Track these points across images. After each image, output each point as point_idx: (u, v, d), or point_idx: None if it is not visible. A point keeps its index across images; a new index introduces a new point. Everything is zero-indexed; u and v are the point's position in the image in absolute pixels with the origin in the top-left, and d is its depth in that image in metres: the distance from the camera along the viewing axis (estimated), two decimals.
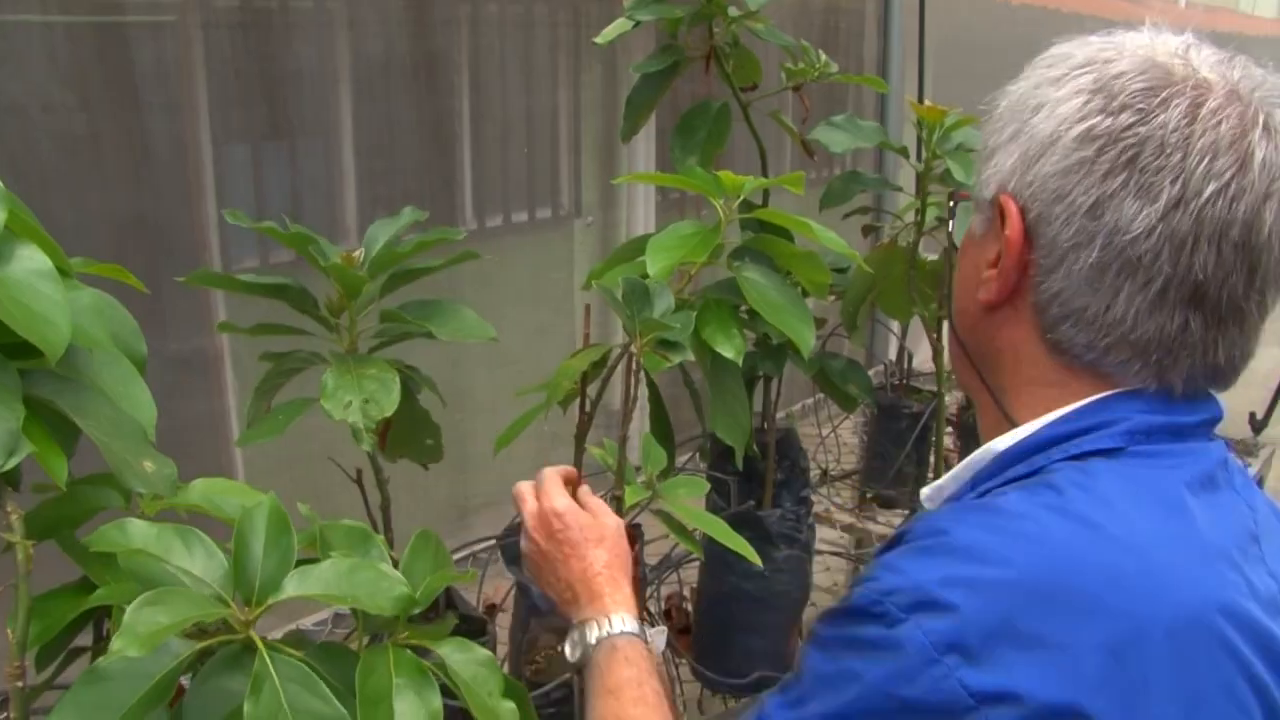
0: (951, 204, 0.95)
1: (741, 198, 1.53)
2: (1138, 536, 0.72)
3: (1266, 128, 0.76)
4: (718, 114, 1.83)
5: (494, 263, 4.58)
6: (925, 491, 0.93)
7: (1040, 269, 0.80)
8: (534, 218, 4.86)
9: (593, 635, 1.02)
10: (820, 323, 1.98)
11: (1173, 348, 0.78)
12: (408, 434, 1.70)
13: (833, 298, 2.03)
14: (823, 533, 2.78)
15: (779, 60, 1.98)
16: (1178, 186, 0.74)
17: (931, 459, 2.48)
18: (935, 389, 3.37)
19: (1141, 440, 0.78)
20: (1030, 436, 0.82)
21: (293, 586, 0.85)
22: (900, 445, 2.63)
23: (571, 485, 1.17)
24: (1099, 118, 0.76)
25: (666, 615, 2.30)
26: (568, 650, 1.05)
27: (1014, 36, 9.20)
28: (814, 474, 2.93)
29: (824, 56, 1.85)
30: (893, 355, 2.92)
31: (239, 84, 3.62)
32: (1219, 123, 0.75)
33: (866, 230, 2.50)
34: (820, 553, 2.71)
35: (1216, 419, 0.82)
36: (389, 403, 1.41)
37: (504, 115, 4.70)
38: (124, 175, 2.95)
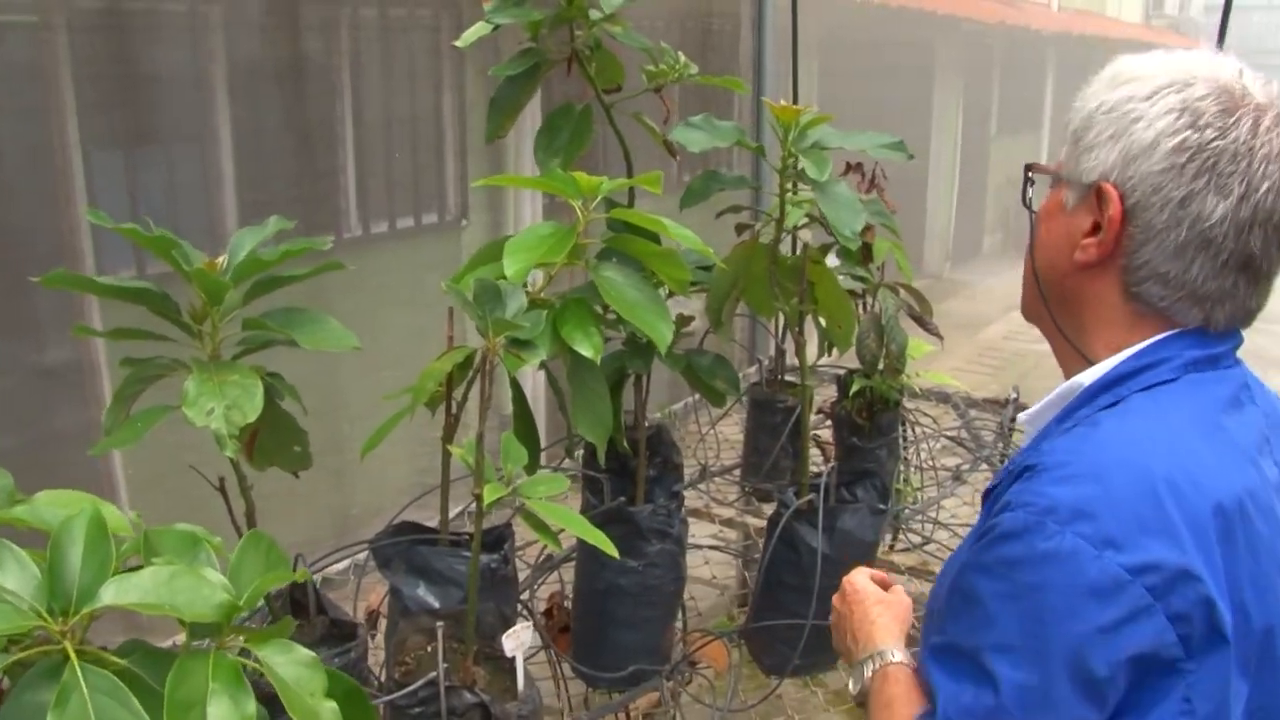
0: (1029, 175, 1.21)
1: (599, 198, 1.55)
2: (1194, 448, 1.02)
3: (1256, 145, 1.03)
4: (580, 116, 1.85)
5: (379, 267, 4.56)
6: (1023, 416, 1.20)
7: (1135, 242, 1.06)
8: (420, 222, 4.84)
9: (868, 669, 1.24)
10: (688, 320, 2.01)
11: (1223, 299, 1.06)
12: (275, 442, 1.69)
13: (701, 295, 2.06)
14: (703, 528, 2.83)
15: (645, 61, 2.00)
16: (1244, 185, 1.02)
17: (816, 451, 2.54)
18: (826, 382, 3.46)
19: (1191, 370, 1.07)
20: (1110, 371, 1.09)
21: (109, 595, 0.85)
22: (776, 439, 2.68)
23: (880, 582, 1.39)
24: (1189, 132, 1.03)
25: (548, 614, 2.32)
26: (850, 686, 1.27)
27: (892, 35, 9.41)
28: (695, 470, 2.97)
29: (683, 58, 1.88)
30: (772, 351, 2.98)
31: (109, 88, 3.55)
32: (1272, 137, 1.03)
33: (740, 228, 2.54)
34: (699, 547, 2.76)
35: (1239, 344, 1.12)
36: (252, 408, 1.40)
37: (387, 119, 4.67)
38: None
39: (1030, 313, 1.23)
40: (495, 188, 5.03)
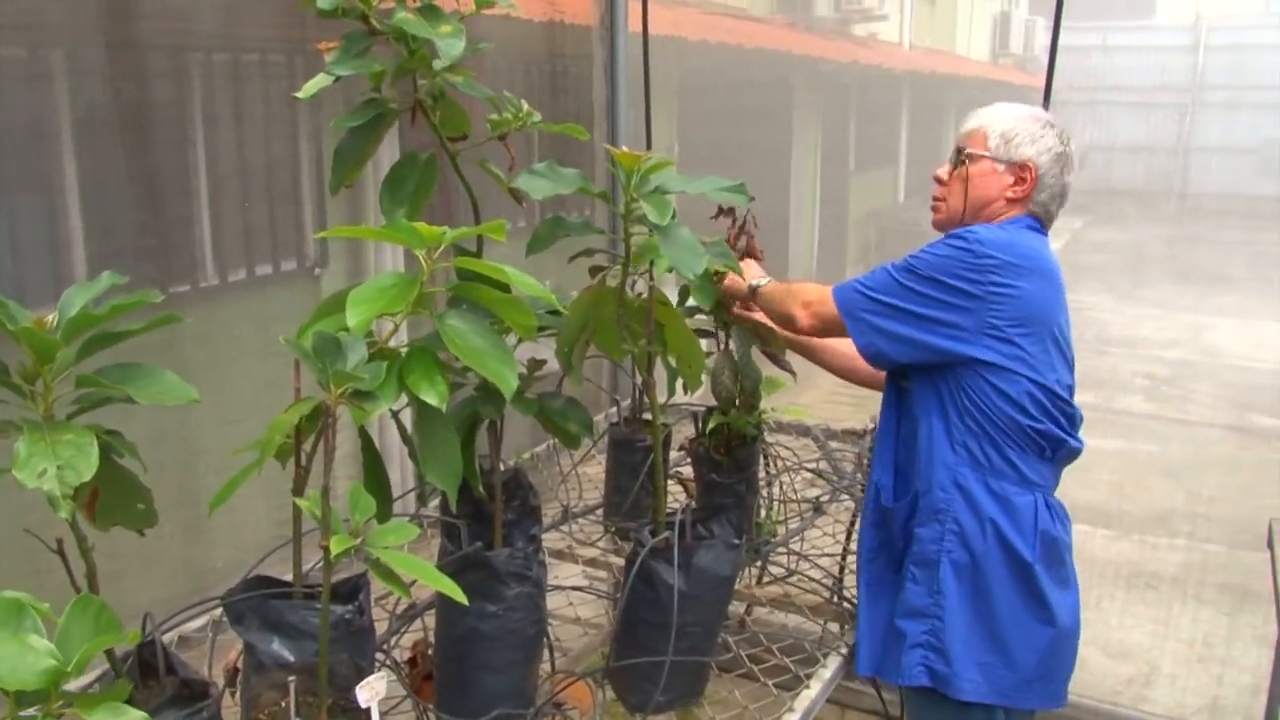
0: (968, 151, 2.23)
1: (442, 247, 1.57)
2: (1034, 245, 2.16)
3: (1076, 162, 2.26)
4: (425, 165, 1.86)
5: (236, 316, 4.48)
6: None
7: (1039, 188, 2.20)
8: (279, 269, 4.78)
9: (762, 281, 2.39)
10: (540, 364, 2.03)
11: (1052, 215, 2.26)
12: (117, 500, 1.66)
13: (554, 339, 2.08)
14: (566, 569, 2.84)
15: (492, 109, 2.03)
16: (1072, 163, 2.24)
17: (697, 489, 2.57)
18: (685, 419, 3.50)
19: (1037, 229, 2.23)
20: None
21: None
22: (636, 478, 2.71)
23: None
24: (1061, 145, 2.21)
25: (411, 663, 2.30)
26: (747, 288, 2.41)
27: (750, 77, 9.63)
28: (558, 511, 2.99)
29: (526, 106, 1.91)
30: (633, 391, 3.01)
31: None
32: (1069, 140, 2.23)
33: (594, 271, 2.57)
34: (561, 588, 2.77)
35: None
36: (87, 468, 1.38)
37: (242, 166, 4.60)
38: None
39: (948, 225, 2.25)
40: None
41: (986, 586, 2.15)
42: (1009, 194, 2.18)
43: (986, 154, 2.20)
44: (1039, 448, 2.16)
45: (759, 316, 2.47)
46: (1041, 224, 2.23)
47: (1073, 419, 2.20)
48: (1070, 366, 2.21)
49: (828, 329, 2.24)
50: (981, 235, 2.08)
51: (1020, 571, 2.14)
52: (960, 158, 2.24)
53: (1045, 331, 2.12)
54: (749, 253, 2.52)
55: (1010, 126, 2.19)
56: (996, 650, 2.16)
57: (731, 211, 2.57)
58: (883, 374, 2.36)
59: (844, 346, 2.32)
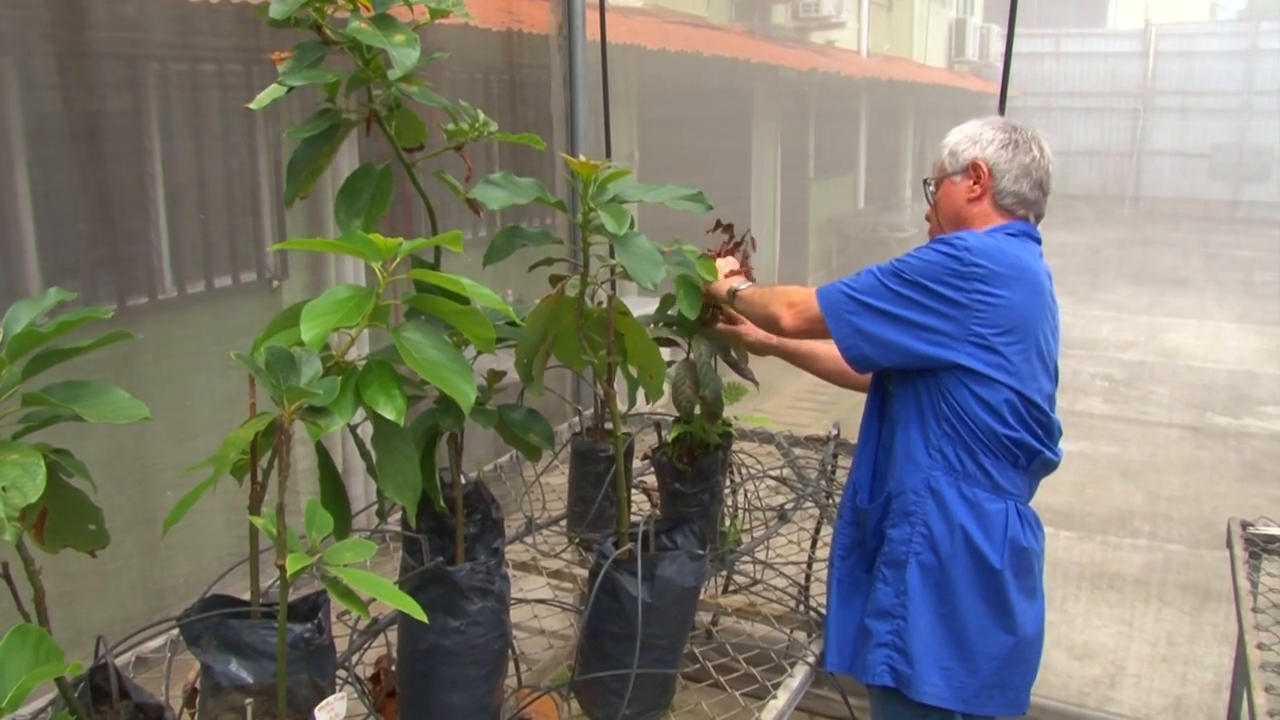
0: (928, 182, 2.38)
1: (398, 259, 1.55)
2: (1021, 254, 2.15)
3: (1038, 139, 2.29)
4: (380, 176, 1.84)
5: (195, 330, 4.43)
6: None
7: (996, 184, 2.24)
8: (238, 281, 4.73)
9: (741, 286, 2.41)
10: (500, 375, 2.01)
11: (1034, 206, 2.27)
12: (66, 521, 1.62)
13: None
14: (531, 581, 2.81)
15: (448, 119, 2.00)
16: (1026, 145, 2.26)
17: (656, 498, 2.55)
18: (648, 429, 3.49)
19: (1023, 236, 2.23)
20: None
21: None
22: (599, 488, 2.69)
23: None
24: (1005, 134, 2.26)
25: (374, 680, 2.27)
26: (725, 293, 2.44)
27: (709, 84, 9.65)
28: (522, 523, 2.96)
29: (483, 116, 1.89)
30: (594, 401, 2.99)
31: None
32: (1017, 128, 2.28)
33: (554, 280, 2.55)
34: (525, 601, 2.74)
35: (1036, 228, 2.30)
36: (33, 489, 1.35)
37: (200, 177, 4.55)
38: None
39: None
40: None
41: (952, 590, 2.15)
42: (970, 195, 2.25)
43: (943, 174, 2.30)
44: (1013, 456, 2.17)
45: (744, 329, 2.49)
46: (1031, 227, 2.27)
47: (1050, 429, 2.20)
48: (1052, 375, 2.22)
49: (811, 330, 2.24)
50: (970, 242, 2.09)
51: (987, 578, 2.14)
52: (928, 191, 2.37)
53: (1029, 340, 2.12)
54: (743, 270, 2.52)
55: (954, 141, 2.29)
56: (959, 655, 2.16)
57: (730, 227, 2.58)
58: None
59: (836, 352, 2.30)
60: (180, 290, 4.46)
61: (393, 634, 2.29)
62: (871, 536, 2.28)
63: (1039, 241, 2.28)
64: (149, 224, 4.34)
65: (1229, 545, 2.97)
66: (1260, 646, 2.40)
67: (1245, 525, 3.08)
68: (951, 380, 2.12)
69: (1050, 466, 2.24)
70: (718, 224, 2.56)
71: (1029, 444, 2.16)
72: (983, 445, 2.14)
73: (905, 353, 2.12)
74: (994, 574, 2.14)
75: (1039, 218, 2.30)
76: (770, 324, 2.32)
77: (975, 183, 2.24)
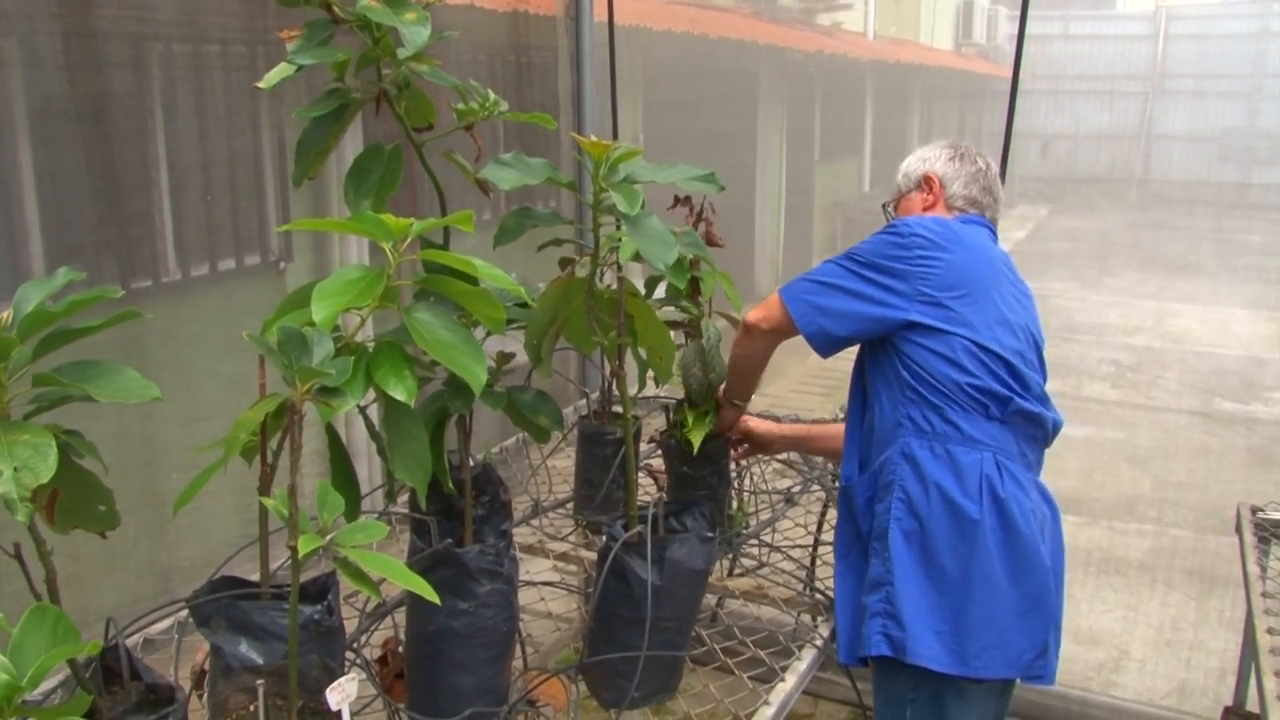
0: (890, 208, 2.57)
1: (410, 239, 1.53)
2: (963, 231, 2.30)
3: (983, 155, 2.52)
4: (390, 156, 1.83)
5: (200, 312, 4.42)
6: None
7: (947, 190, 2.46)
8: (242, 263, 4.71)
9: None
10: (509, 357, 2.00)
11: (987, 208, 2.48)
12: (77, 502, 1.61)
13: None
14: (537, 564, 2.81)
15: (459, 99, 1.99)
16: (970, 156, 2.50)
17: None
18: (655, 412, 3.48)
19: (973, 224, 2.40)
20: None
21: None
22: (607, 471, 2.69)
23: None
24: (952, 150, 2.50)
25: (382, 662, 2.27)
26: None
27: (716, 66, 9.61)
28: (529, 506, 2.96)
29: (493, 95, 1.88)
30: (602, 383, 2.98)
31: None
32: (963, 146, 2.52)
33: (564, 262, 2.54)
34: (533, 584, 2.74)
35: (988, 220, 2.48)
36: (45, 469, 1.34)
37: (204, 159, 4.53)
38: None
39: None
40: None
41: (935, 548, 2.13)
42: (925, 204, 2.47)
43: (899, 194, 2.55)
44: (982, 406, 2.17)
45: (761, 431, 2.79)
46: (983, 219, 2.46)
47: (1023, 380, 2.20)
48: (1016, 333, 2.26)
49: (776, 323, 2.34)
50: (910, 221, 2.29)
51: (967, 529, 2.12)
52: (887, 213, 2.58)
53: (980, 299, 2.22)
54: (708, 240, 2.51)
55: (906, 165, 2.55)
56: (949, 615, 2.12)
57: (688, 200, 2.54)
58: None
59: (838, 428, 2.54)
60: (184, 273, 4.45)
61: (400, 616, 2.29)
62: (863, 521, 2.27)
63: (993, 231, 2.46)
64: (153, 206, 4.33)
65: (1238, 530, 2.97)
66: (1270, 631, 2.39)
67: (1255, 510, 3.07)
68: (907, 344, 2.22)
69: (1036, 420, 2.22)
70: (676, 200, 2.54)
71: (995, 390, 2.17)
72: (948, 399, 2.17)
73: (860, 318, 2.24)
74: (972, 524, 2.11)
75: (994, 220, 2.49)
76: (741, 336, 2.45)
77: (929, 193, 2.46)
